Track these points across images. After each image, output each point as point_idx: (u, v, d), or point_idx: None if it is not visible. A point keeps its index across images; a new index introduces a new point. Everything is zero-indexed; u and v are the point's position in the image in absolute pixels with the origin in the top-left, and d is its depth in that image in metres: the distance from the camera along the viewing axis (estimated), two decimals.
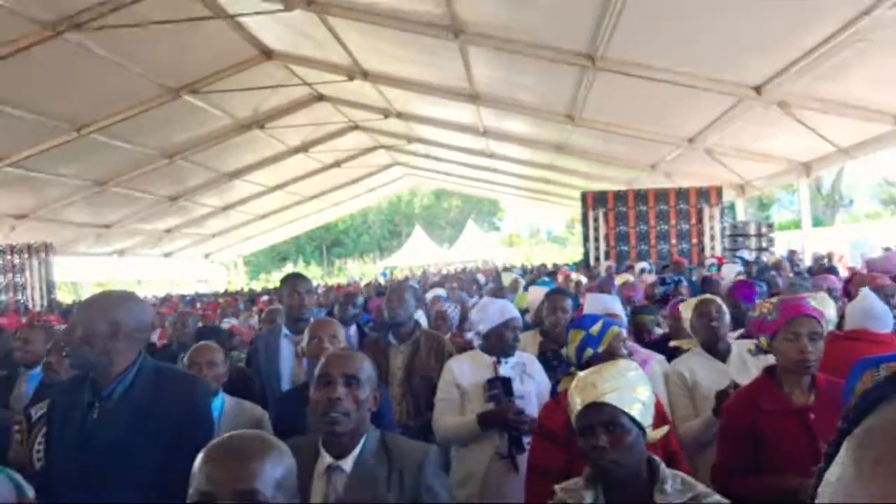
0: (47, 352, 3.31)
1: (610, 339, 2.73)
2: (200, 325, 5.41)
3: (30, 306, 15.12)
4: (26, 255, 15.83)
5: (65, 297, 19.50)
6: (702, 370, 3.23)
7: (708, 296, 3.59)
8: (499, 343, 3.27)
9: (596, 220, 14.46)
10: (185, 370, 3.19)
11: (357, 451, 1.96)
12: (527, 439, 3.02)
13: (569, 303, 4.21)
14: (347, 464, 1.95)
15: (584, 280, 8.53)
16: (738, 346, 3.24)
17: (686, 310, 3.46)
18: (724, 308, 3.36)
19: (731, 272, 7.72)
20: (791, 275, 7.89)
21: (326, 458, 1.96)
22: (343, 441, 1.96)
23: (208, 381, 3.10)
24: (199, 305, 13.15)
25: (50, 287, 15.97)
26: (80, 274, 22.68)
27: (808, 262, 11.77)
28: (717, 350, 3.30)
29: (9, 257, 15.80)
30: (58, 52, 9.41)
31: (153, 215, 19.96)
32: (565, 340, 3.94)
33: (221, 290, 22.77)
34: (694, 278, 8.03)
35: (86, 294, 19.08)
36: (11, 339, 5.38)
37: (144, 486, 1.98)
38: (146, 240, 22.53)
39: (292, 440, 2.10)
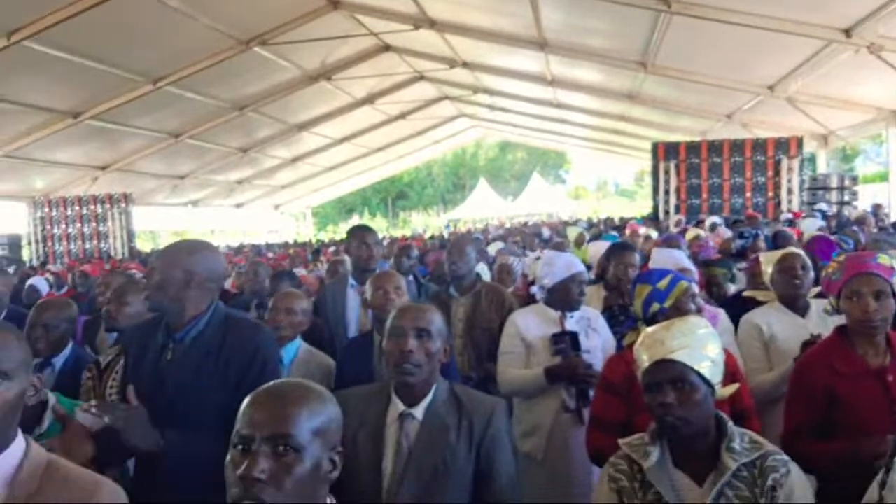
0: (107, 300, 3.36)
1: (678, 295, 2.65)
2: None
3: (112, 254, 15.90)
4: (108, 205, 16.59)
5: (144, 245, 20.38)
6: (779, 324, 3.09)
7: (793, 250, 3.39)
8: (565, 297, 3.23)
9: (667, 172, 14.03)
10: (256, 316, 3.28)
11: (428, 399, 2.04)
12: (592, 392, 3.01)
13: (635, 257, 4.11)
14: (419, 411, 2.02)
15: (653, 234, 8.33)
16: (816, 304, 3.10)
17: (767, 263, 3.30)
18: (809, 264, 3.19)
19: (811, 227, 7.37)
20: (875, 230, 7.48)
21: (399, 406, 2.03)
22: (415, 390, 2.03)
23: (283, 326, 3.19)
24: (271, 255, 13.53)
25: (130, 236, 16.74)
26: (157, 223, 23.65)
27: (895, 216, 11.15)
28: (796, 306, 3.16)
29: (92, 207, 16.61)
30: (132, 4, 9.62)
31: (225, 167, 20.53)
32: (631, 296, 3.88)
33: (291, 241, 23.35)
34: (766, 233, 7.72)
35: (163, 243, 19.91)
36: (95, 285, 5.67)
37: (212, 422, 2.09)
38: (219, 191, 23.24)
39: (365, 387, 2.20)
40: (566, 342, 3.09)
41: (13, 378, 1.36)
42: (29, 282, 7.43)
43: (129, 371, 2.31)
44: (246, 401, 1.32)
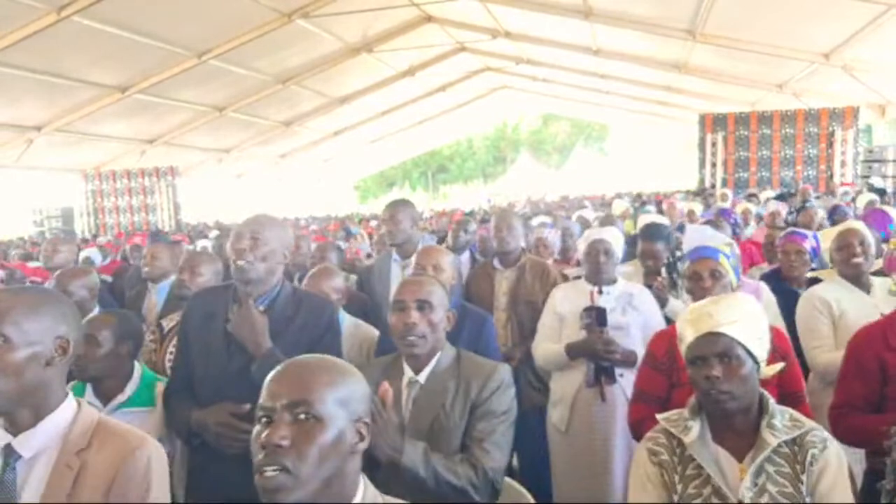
0: (180, 269, 3.49)
1: None
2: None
3: (159, 226, 16.28)
4: (155, 178, 16.96)
5: (189, 218, 20.78)
6: (848, 302, 2.98)
7: (853, 224, 3.24)
8: (589, 267, 3.29)
9: (714, 144, 13.72)
10: None
11: (432, 365, 2.14)
12: (619, 371, 3.07)
13: (654, 248, 4.00)
14: (423, 377, 2.14)
15: (698, 209, 8.14)
16: (879, 282, 2.99)
17: (825, 239, 3.21)
18: (870, 240, 3.04)
19: (865, 202, 7.11)
20: None
21: (409, 373, 2.16)
22: (421, 359, 2.15)
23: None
24: (315, 228, 13.66)
25: (176, 208, 17.10)
26: (203, 196, 24.06)
27: None
28: (859, 283, 3.04)
29: (140, 180, 17.01)
30: None
31: (269, 140, 20.74)
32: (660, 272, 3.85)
33: (333, 215, 23.53)
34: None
35: (210, 216, 20.33)
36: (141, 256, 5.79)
37: None
38: (262, 164, 23.52)
39: (383, 358, 2.32)
40: (592, 317, 3.10)
41: (12, 341, 1.42)
42: (83, 253, 7.66)
43: (194, 335, 2.40)
44: (267, 378, 1.32)
